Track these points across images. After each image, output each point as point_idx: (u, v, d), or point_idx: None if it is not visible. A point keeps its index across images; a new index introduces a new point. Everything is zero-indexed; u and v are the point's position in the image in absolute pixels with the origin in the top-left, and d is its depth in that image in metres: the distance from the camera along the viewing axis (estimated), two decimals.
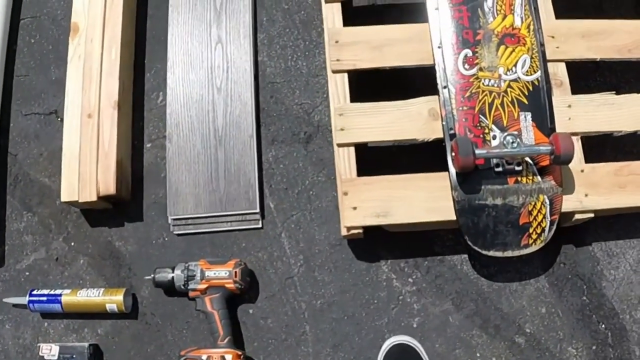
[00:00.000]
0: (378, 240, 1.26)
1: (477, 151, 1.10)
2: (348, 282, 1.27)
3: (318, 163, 1.30)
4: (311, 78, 1.35)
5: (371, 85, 1.26)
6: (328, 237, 1.28)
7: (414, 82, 1.25)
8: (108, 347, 1.30)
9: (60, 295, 1.30)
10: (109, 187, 1.26)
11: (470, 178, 1.15)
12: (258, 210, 1.27)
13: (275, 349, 1.25)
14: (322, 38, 1.37)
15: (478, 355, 1.24)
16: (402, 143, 1.26)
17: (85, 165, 1.27)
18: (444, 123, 1.20)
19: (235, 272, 1.22)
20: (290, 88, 1.35)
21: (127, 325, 1.30)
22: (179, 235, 1.31)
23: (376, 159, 1.25)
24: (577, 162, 1.16)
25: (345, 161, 1.21)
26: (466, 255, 1.28)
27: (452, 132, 1.17)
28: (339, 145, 1.21)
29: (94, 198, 1.25)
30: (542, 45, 1.23)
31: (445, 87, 1.20)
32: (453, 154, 1.12)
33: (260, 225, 1.29)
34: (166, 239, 1.31)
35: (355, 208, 1.17)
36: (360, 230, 1.19)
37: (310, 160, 1.30)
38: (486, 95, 1.20)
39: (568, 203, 1.16)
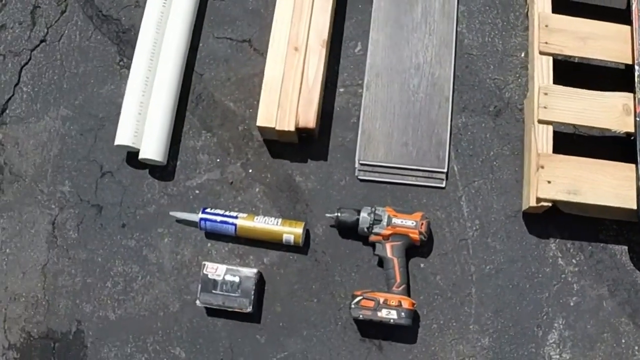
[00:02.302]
0: (550, 219, 1.58)
1: None
2: (517, 253, 1.57)
3: (504, 137, 1.62)
4: (506, 57, 1.68)
5: (560, 71, 1.59)
6: (505, 208, 1.59)
7: (597, 75, 1.62)
8: (272, 277, 1.57)
9: (236, 217, 1.57)
10: (309, 120, 1.55)
11: None
12: (445, 170, 1.57)
13: (439, 305, 1.54)
14: (519, 21, 1.71)
15: (623, 341, 1.56)
16: (592, 133, 1.59)
17: (287, 96, 1.57)
18: (637, 119, 1.52)
19: (422, 223, 1.52)
20: (485, 62, 1.67)
21: (295, 260, 1.58)
22: (361, 180, 1.60)
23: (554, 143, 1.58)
24: None
25: (543, 137, 1.53)
26: (626, 247, 1.60)
27: None
28: (540, 121, 1.54)
29: (292, 128, 1.54)
30: None
31: None
32: None
33: (443, 185, 1.59)
34: (348, 181, 1.60)
35: (549, 182, 1.49)
36: (549, 204, 1.50)
37: (497, 133, 1.62)
38: None
39: None
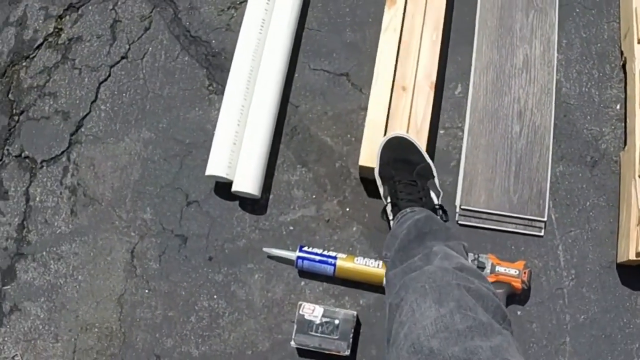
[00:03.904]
0: None
1: None
2: (611, 303, 1.69)
3: (600, 188, 1.73)
4: (602, 108, 1.79)
5: None
6: (599, 259, 1.70)
7: None
8: (367, 319, 1.64)
9: (335, 257, 1.63)
10: None
11: None
12: (546, 219, 1.66)
13: (534, 353, 1.64)
14: (614, 73, 1.82)
15: None
16: None
17: None
18: None
19: (525, 272, 1.61)
20: (582, 112, 1.78)
21: None
22: (460, 225, 1.67)
23: None
24: None
25: None
26: None
27: None
28: None
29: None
30: None
31: None
32: None
33: (542, 234, 1.68)
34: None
35: None
36: None
37: (593, 184, 1.73)
38: None
39: None
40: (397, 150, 1.56)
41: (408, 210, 1.47)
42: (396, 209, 1.50)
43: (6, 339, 1.67)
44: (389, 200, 1.54)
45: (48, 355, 1.67)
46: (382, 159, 1.57)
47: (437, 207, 1.52)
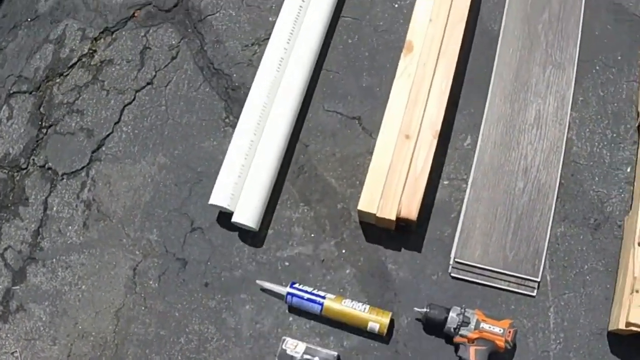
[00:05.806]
0: (634, 341, 1.64)
1: None
2: None
3: (600, 252, 1.70)
4: (611, 170, 1.76)
5: None
6: (591, 325, 1.67)
7: None
8: None
9: (324, 297, 1.66)
10: (411, 211, 1.64)
11: None
12: (539, 279, 1.64)
13: None
14: (628, 134, 1.80)
15: None
16: None
17: (392, 183, 1.66)
18: None
19: (510, 331, 1.59)
20: (591, 173, 1.76)
21: (376, 347, 1.67)
22: (453, 277, 1.67)
23: None
24: None
25: None
26: None
27: None
28: None
29: (392, 217, 1.63)
30: None
31: None
32: None
33: (534, 294, 1.66)
34: (440, 277, 1.68)
35: None
36: (639, 329, 1.57)
37: (594, 247, 1.70)
38: None
39: None
40: None
41: None
42: None
43: (9, 335, 1.77)
44: None
45: (45, 356, 1.76)
46: None
47: None
